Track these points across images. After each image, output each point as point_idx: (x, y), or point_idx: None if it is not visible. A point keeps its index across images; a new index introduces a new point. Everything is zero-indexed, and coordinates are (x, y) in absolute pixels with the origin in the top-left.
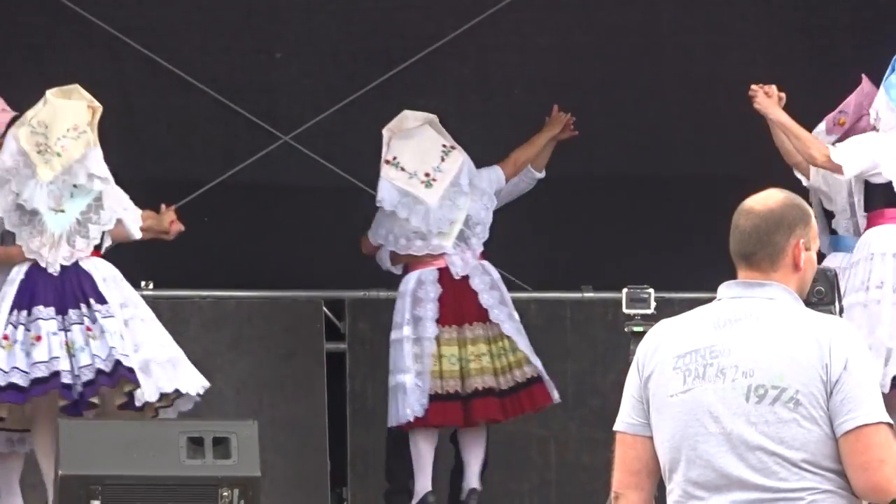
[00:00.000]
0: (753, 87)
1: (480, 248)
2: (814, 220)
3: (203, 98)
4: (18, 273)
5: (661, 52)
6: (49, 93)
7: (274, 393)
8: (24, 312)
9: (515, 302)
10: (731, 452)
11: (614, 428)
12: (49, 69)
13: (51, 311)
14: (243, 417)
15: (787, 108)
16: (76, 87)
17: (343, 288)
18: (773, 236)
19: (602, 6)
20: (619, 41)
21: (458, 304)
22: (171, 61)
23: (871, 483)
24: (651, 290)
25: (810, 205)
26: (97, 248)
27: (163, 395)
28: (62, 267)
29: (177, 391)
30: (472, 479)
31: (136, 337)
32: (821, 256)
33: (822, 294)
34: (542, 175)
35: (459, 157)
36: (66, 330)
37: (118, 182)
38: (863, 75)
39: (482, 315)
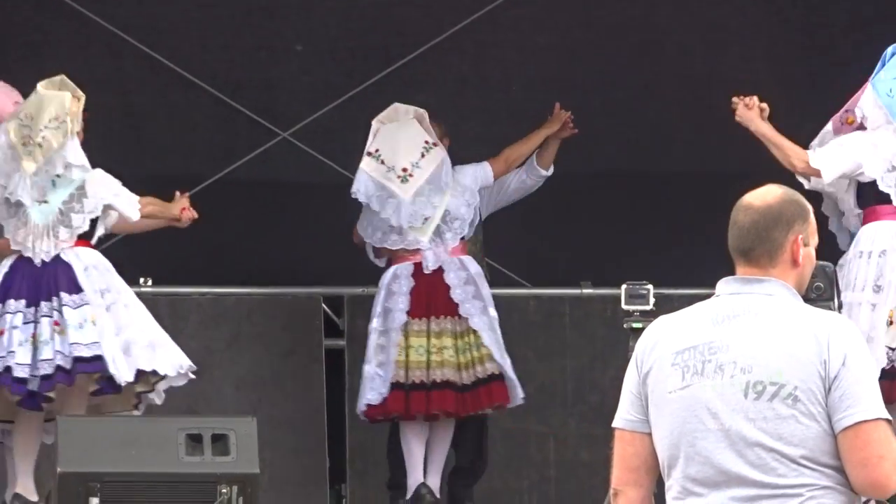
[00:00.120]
0: (734, 98)
1: (455, 243)
2: (812, 216)
3: (202, 95)
4: (4, 266)
5: (660, 50)
6: (39, 85)
7: (273, 389)
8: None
9: (514, 298)
10: (730, 449)
11: (613, 424)
12: (48, 67)
13: (21, 304)
14: (242, 414)
15: (786, 106)
16: (62, 77)
17: (342, 284)
18: (771, 232)
19: (601, 4)
20: (617, 39)
21: (429, 298)
22: (171, 58)
23: (870, 479)
24: (650, 287)
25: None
26: (84, 238)
27: (141, 377)
28: (46, 258)
29: (154, 372)
30: (427, 474)
31: (119, 321)
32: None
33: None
34: (548, 173)
35: (439, 155)
36: (35, 322)
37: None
38: None
39: (452, 309)
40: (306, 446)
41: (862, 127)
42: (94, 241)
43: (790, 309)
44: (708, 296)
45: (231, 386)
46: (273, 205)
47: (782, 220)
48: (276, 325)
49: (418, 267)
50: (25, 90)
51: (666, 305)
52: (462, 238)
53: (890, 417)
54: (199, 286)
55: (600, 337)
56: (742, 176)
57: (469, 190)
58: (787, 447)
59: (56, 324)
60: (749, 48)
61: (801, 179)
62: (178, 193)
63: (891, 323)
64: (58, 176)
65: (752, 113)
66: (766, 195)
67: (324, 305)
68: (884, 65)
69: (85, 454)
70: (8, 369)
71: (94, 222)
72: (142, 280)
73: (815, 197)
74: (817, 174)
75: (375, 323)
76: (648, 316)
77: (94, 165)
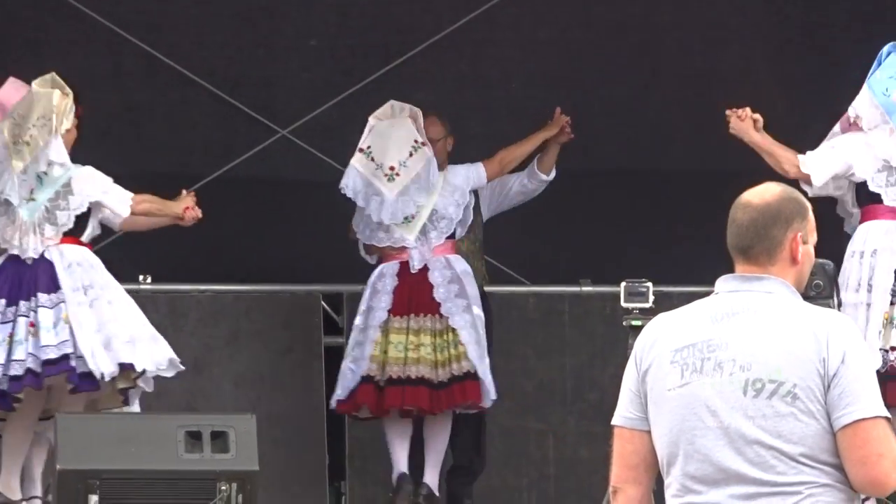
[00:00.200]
0: (728, 112)
1: (440, 242)
2: (811, 214)
3: (201, 92)
4: None
5: (659, 48)
6: (33, 83)
7: (272, 387)
8: None
9: (514, 296)
10: (729, 446)
11: (612, 422)
12: (47, 64)
13: (1, 303)
14: (241, 411)
15: (785, 105)
16: (52, 75)
17: (341, 282)
18: (770, 230)
19: (601, 1)
20: (617, 37)
21: (411, 296)
22: (170, 56)
23: (870, 477)
24: (649, 284)
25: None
26: (70, 235)
27: (122, 371)
28: (34, 254)
29: (132, 367)
30: (425, 472)
31: (102, 316)
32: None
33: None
34: (549, 177)
35: (426, 155)
36: (14, 321)
37: (117, 176)
38: None
39: (434, 307)
40: (306, 443)
41: (858, 127)
42: (85, 237)
43: (789, 307)
44: (707, 293)
45: (230, 383)
46: (272, 202)
47: (781, 217)
48: (275, 322)
49: (404, 266)
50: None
51: (665, 303)
52: (452, 237)
53: (889, 415)
54: (199, 284)
55: (600, 334)
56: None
57: (459, 190)
58: (787, 445)
59: (32, 325)
60: (748, 46)
61: (804, 187)
62: (184, 192)
63: (886, 325)
64: (44, 173)
65: (744, 124)
66: (764, 193)
67: (323, 303)
68: (880, 64)
69: (84, 451)
70: None
71: (84, 219)
72: (141, 277)
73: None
74: (808, 179)
75: (358, 320)
76: (648, 314)
77: (93, 162)
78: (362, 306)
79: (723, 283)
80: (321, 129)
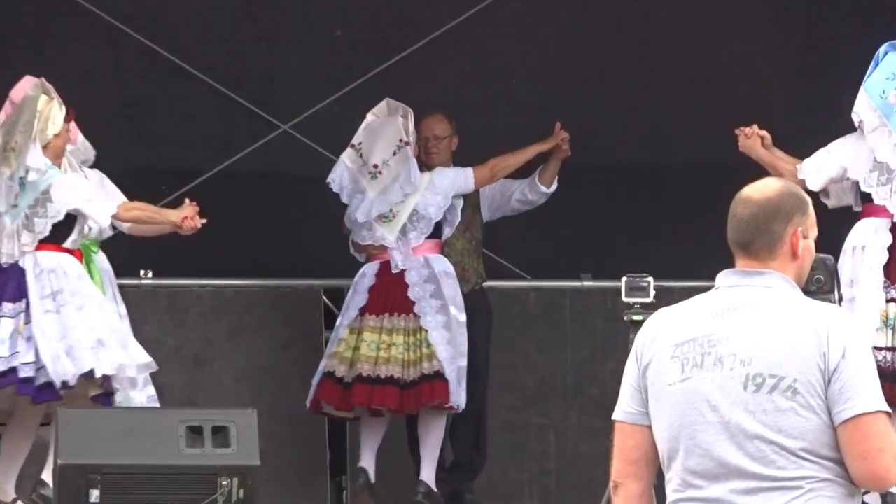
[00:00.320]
0: (736, 130)
1: (419, 242)
2: (811, 209)
3: (202, 87)
4: None
5: (659, 43)
6: (28, 89)
7: (273, 381)
8: None
9: (515, 291)
10: (730, 441)
11: (613, 417)
12: (48, 59)
13: None
14: (242, 406)
15: (785, 99)
16: (41, 80)
17: (342, 276)
18: (770, 225)
19: None
20: (617, 32)
21: (387, 295)
22: (171, 50)
23: (870, 472)
24: (650, 279)
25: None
26: (52, 242)
27: (88, 379)
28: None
29: (92, 373)
30: (421, 469)
31: (68, 322)
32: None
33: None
34: (549, 190)
35: (407, 155)
36: None
37: (117, 171)
38: None
39: (408, 307)
40: (307, 438)
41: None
42: (68, 244)
43: (790, 301)
44: (708, 288)
45: (231, 378)
46: (273, 197)
47: (781, 212)
48: (276, 317)
49: (385, 265)
50: None
51: (666, 298)
52: (438, 237)
53: (889, 410)
54: (199, 278)
55: (600, 329)
56: (741, 168)
57: (443, 193)
58: (787, 440)
59: None
60: (748, 41)
61: (823, 200)
62: (186, 200)
63: (884, 322)
64: (26, 180)
65: (751, 142)
66: (764, 188)
67: (324, 297)
68: (877, 65)
69: (85, 446)
70: None
71: (70, 225)
72: (142, 273)
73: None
74: (804, 185)
75: (338, 320)
76: (649, 308)
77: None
78: (344, 306)
79: (723, 278)
80: (322, 124)
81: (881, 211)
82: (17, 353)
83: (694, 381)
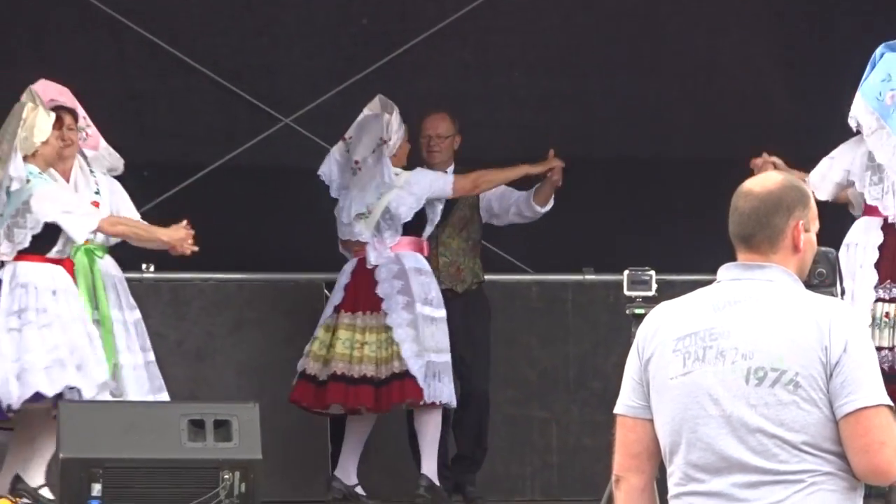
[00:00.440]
0: (751, 165)
1: (394, 241)
2: (813, 202)
3: (204, 80)
4: None
5: (660, 37)
6: (23, 95)
7: (275, 375)
8: None
9: (517, 284)
10: (732, 435)
11: (615, 411)
12: (49, 52)
13: None
14: (244, 400)
15: (786, 92)
16: (29, 88)
17: None
18: (772, 218)
19: None
20: (618, 25)
21: (359, 293)
22: (172, 44)
23: (872, 465)
24: (652, 272)
25: None
26: (32, 252)
27: (36, 401)
28: None
29: (37, 395)
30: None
31: (27, 344)
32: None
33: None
34: (543, 210)
35: (383, 153)
36: None
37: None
38: None
39: (377, 304)
40: (308, 432)
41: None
42: (52, 253)
43: (791, 295)
44: (709, 282)
45: (233, 372)
46: (274, 191)
47: (783, 205)
48: (277, 310)
49: (361, 262)
50: (26, 75)
51: (668, 291)
52: (418, 235)
53: (892, 403)
54: (201, 272)
55: (603, 323)
56: (743, 160)
57: (415, 195)
58: (789, 433)
59: None
60: (749, 34)
61: (851, 212)
62: (184, 222)
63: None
64: (9, 189)
65: (764, 170)
66: (766, 181)
67: (325, 291)
68: (873, 67)
69: (87, 440)
70: None
71: (53, 236)
72: (144, 266)
73: None
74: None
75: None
76: (651, 302)
77: None
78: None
79: (725, 272)
80: (324, 118)
81: (874, 210)
82: None
83: (696, 374)
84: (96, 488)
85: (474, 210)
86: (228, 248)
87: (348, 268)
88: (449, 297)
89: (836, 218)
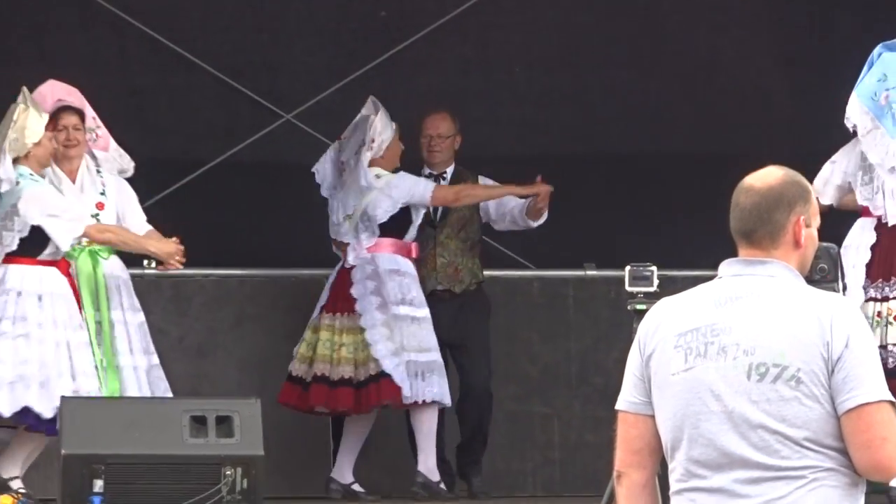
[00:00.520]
0: None
1: (371, 243)
2: (814, 197)
3: (205, 77)
4: None
5: (661, 33)
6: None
7: (277, 371)
8: None
9: (518, 280)
10: (733, 431)
11: (616, 407)
12: (51, 49)
13: None
14: (246, 396)
15: (787, 88)
16: (23, 89)
17: None
18: (773, 213)
19: None
20: (619, 21)
21: (338, 294)
22: (173, 40)
23: (874, 461)
24: (654, 268)
25: None
26: (23, 254)
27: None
28: None
29: (27, 410)
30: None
31: (21, 354)
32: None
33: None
34: (535, 224)
35: (365, 156)
36: None
37: None
38: None
39: (352, 306)
40: (310, 428)
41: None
42: (44, 255)
43: (792, 290)
44: (711, 278)
45: (235, 368)
46: (276, 187)
47: (784, 201)
48: (279, 306)
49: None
50: (27, 71)
51: (669, 287)
52: (399, 237)
53: (894, 399)
54: (203, 268)
55: (604, 319)
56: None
57: (392, 199)
58: (791, 429)
59: None
60: (749, 33)
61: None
62: (174, 238)
63: (890, 320)
64: (1, 191)
65: None
66: (767, 176)
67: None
68: (871, 67)
69: (89, 436)
70: None
71: (44, 238)
72: (145, 262)
73: None
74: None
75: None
76: (652, 297)
77: None
78: None
79: (726, 267)
80: (325, 114)
81: (867, 210)
82: None
83: (697, 370)
84: (98, 484)
85: (473, 210)
86: (229, 244)
87: (336, 268)
88: (446, 298)
89: (839, 216)
